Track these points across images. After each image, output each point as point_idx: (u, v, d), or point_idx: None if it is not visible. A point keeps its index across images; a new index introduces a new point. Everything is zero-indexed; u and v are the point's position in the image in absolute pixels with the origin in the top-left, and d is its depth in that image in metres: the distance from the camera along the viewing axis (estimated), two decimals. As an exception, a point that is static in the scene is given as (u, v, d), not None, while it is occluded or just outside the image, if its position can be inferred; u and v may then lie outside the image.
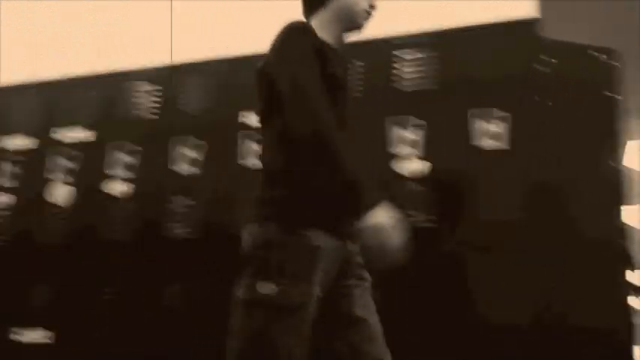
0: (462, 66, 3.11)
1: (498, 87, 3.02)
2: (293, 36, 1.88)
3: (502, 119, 2.99)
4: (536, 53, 2.99)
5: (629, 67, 3.82)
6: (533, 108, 2.96)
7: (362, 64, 3.28)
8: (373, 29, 3.37)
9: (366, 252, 1.73)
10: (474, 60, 3.09)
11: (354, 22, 2.04)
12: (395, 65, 3.25)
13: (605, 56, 2.91)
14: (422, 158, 3.09)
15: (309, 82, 1.77)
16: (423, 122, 3.11)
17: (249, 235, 1.80)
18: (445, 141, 3.07)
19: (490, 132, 2.99)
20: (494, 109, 3.01)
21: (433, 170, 3.06)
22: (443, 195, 3.02)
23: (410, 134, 3.12)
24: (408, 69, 3.22)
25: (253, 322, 1.71)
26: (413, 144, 3.11)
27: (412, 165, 3.09)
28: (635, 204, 7.00)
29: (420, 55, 3.21)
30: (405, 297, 2.90)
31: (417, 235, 2.88)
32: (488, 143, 3.00)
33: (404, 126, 3.13)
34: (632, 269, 2.77)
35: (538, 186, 2.87)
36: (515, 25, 3.06)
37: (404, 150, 3.12)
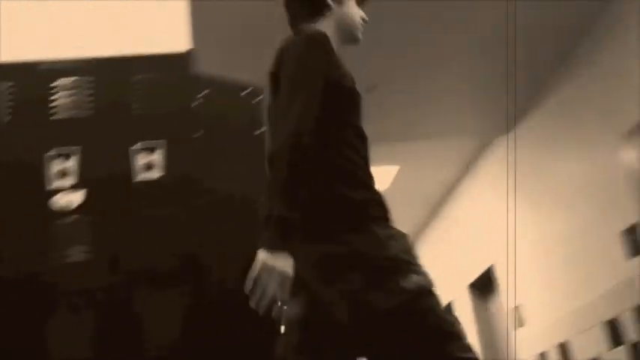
0: (117, 96, 3.12)
1: (153, 118, 3.08)
2: (315, 50, 1.79)
3: (158, 148, 3.07)
4: (187, 87, 3.12)
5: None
6: (186, 140, 3.09)
7: (12, 89, 3.13)
8: (24, 52, 3.24)
9: (248, 282, 1.64)
10: (130, 90, 3.12)
11: (352, 34, 1.99)
12: (50, 92, 3.14)
13: (248, 92, 3.15)
14: (77, 187, 3.01)
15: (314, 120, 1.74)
16: (77, 149, 3.04)
17: None
18: (103, 169, 3.04)
19: (147, 161, 3.05)
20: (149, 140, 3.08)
21: (90, 200, 3.00)
22: (103, 225, 2.99)
23: (66, 164, 3.03)
24: (63, 97, 3.14)
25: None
26: (69, 174, 3.03)
27: (68, 197, 3.01)
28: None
29: (74, 82, 3.15)
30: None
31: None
32: (145, 173, 3.06)
33: (62, 156, 3.04)
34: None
35: (194, 210, 3.00)
36: (168, 58, 3.15)
37: (62, 182, 3.02)
